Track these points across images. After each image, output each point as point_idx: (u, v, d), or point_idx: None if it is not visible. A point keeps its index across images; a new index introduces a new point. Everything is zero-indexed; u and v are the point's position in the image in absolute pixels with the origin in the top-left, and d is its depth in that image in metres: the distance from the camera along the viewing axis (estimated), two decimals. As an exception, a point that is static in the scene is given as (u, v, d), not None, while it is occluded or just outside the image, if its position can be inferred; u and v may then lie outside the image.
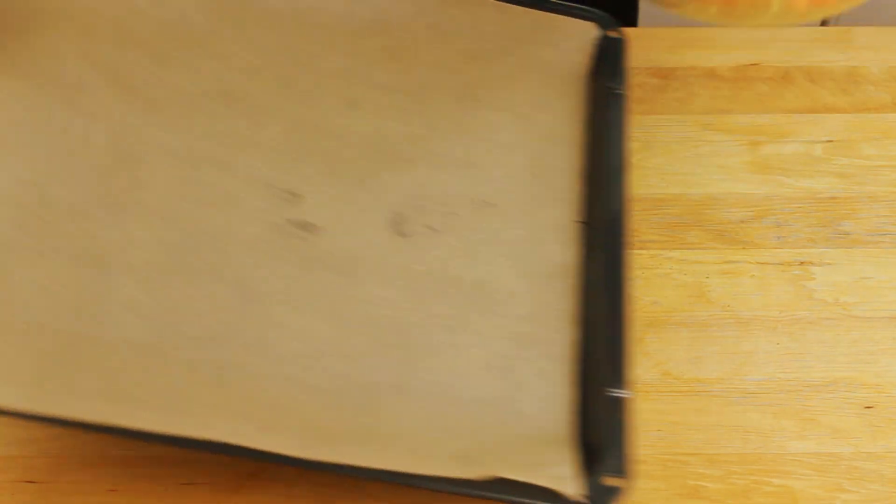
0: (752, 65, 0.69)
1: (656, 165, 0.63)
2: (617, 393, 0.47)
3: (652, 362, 0.56)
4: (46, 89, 0.55)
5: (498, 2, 0.61)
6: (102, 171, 0.53)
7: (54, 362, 0.46)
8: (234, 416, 0.46)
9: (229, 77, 0.58)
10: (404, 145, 0.57)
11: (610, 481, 0.45)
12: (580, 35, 0.62)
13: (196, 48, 0.58)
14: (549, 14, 0.62)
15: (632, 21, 0.81)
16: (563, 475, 0.45)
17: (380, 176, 0.56)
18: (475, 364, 0.50)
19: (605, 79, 0.61)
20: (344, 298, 0.51)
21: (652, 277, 0.59)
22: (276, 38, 0.60)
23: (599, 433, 0.47)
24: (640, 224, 0.61)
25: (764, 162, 0.64)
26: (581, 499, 0.45)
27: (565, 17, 0.62)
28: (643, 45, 0.68)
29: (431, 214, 0.55)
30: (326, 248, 0.53)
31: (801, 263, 0.59)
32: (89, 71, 0.56)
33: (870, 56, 0.69)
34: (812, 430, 0.53)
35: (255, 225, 0.53)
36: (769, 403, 0.54)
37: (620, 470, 0.46)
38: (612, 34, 0.62)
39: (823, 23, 1.14)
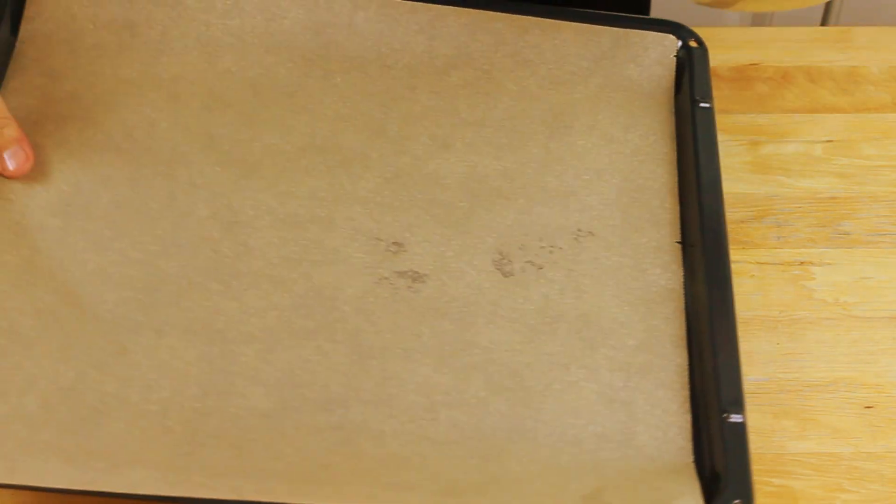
0: (752, 65, 0.69)
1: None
2: (735, 418, 0.47)
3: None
4: (144, 162, 0.55)
5: (575, 24, 0.61)
6: (209, 242, 0.53)
7: (186, 441, 0.47)
8: (364, 478, 0.46)
9: (320, 129, 0.58)
10: (499, 181, 0.57)
11: None
12: (660, 48, 0.61)
13: (284, 104, 0.59)
14: (626, 30, 0.61)
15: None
16: None
17: (479, 216, 0.56)
18: (591, 399, 0.50)
19: (690, 91, 0.60)
20: (456, 345, 0.51)
21: (652, 277, 0.58)
22: (361, 85, 0.60)
23: (719, 459, 0.47)
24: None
25: (764, 162, 0.64)
26: None
27: (643, 32, 0.61)
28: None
29: (533, 251, 0.55)
30: (434, 295, 0.53)
31: (801, 263, 0.59)
32: (183, 138, 0.56)
33: (870, 56, 0.69)
34: (812, 430, 0.53)
35: (362, 280, 0.53)
36: (769, 403, 0.54)
37: (747, 495, 0.45)
38: (693, 44, 0.62)
39: (823, 23, 1.14)
